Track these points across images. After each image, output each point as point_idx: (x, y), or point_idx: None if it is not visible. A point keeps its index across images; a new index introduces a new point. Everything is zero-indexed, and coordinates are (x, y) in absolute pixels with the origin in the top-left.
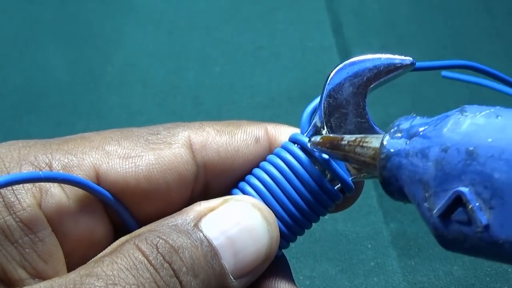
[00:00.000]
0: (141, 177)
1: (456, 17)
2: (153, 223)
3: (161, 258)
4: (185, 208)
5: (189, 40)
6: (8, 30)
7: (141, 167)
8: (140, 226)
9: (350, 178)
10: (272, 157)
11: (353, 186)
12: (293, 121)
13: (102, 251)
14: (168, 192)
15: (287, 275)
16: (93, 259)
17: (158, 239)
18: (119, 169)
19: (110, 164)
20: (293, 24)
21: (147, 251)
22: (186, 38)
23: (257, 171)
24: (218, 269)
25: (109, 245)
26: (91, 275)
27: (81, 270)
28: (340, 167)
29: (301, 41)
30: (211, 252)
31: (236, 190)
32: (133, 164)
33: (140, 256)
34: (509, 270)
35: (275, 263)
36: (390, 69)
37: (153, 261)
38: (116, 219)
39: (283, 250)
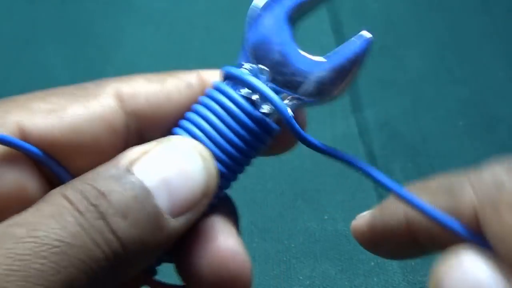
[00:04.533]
0: (66, 129)
1: (456, 17)
2: (85, 173)
3: (86, 202)
4: (118, 155)
5: (189, 40)
6: (8, 30)
7: (65, 118)
8: None
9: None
10: (201, 98)
11: (289, 114)
12: None
13: None
14: (98, 143)
15: (231, 218)
16: (21, 212)
17: (85, 185)
18: (42, 124)
19: (35, 120)
20: None
21: (71, 197)
22: (186, 38)
23: (188, 113)
24: (151, 209)
25: None
26: (13, 225)
27: (4, 223)
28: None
29: (301, 41)
30: (143, 193)
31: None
32: (56, 116)
33: (64, 202)
34: None
35: (219, 205)
36: None
37: (77, 205)
38: (51, 177)
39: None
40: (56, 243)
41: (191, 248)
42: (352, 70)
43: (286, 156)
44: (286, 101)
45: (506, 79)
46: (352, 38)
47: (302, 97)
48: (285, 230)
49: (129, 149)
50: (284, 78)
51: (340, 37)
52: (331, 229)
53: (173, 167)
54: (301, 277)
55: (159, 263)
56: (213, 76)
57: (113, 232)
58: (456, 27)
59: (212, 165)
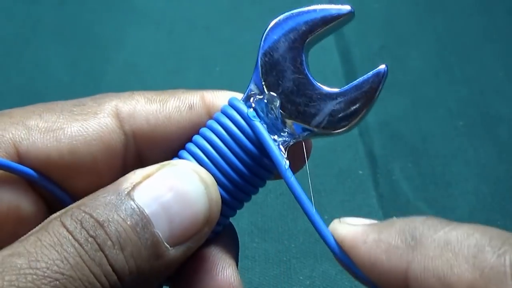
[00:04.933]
0: (64, 150)
1: (456, 16)
2: (86, 197)
3: (85, 233)
4: (120, 178)
5: (189, 40)
6: (9, 30)
7: (63, 139)
8: (75, 201)
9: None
10: (210, 122)
11: (284, 167)
12: None
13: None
14: (96, 164)
15: (231, 249)
16: (20, 238)
17: (83, 214)
18: (40, 144)
19: (31, 140)
20: None
21: (71, 227)
22: (186, 38)
23: (196, 137)
24: (150, 238)
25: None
26: (14, 254)
27: (5, 251)
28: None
29: None
30: (142, 221)
31: (175, 158)
32: (54, 137)
33: (64, 232)
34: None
35: (221, 234)
36: (327, 20)
37: (77, 236)
38: (48, 196)
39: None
40: (58, 275)
41: (188, 277)
42: (367, 103)
43: None
44: (294, 131)
45: (506, 79)
46: (370, 73)
47: (313, 129)
48: (285, 230)
49: (132, 172)
50: (296, 108)
51: (340, 37)
52: None
53: (173, 193)
54: (301, 277)
55: None
56: (216, 97)
57: (111, 265)
58: (456, 27)
59: (214, 191)
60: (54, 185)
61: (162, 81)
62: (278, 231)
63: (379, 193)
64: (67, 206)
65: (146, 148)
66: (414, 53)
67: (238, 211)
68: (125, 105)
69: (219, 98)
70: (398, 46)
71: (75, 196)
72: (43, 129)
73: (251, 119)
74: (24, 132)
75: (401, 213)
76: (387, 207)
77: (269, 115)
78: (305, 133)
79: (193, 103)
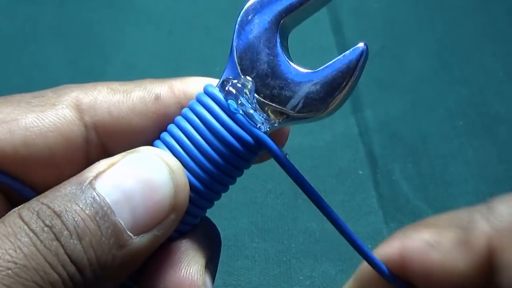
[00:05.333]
0: (17, 142)
1: (456, 17)
2: (49, 190)
3: (41, 222)
4: (87, 168)
5: (189, 40)
6: (8, 30)
7: (17, 131)
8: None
9: (262, 129)
10: (185, 111)
11: (267, 142)
12: None
13: None
14: (53, 156)
15: (205, 245)
16: None
17: (40, 205)
18: None
19: None
20: None
21: (27, 218)
22: (186, 38)
23: (170, 126)
24: (111, 227)
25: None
26: None
27: None
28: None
29: (301, 41)
30: (102, 210)
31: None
32: (7, 129)
33: (20, 223)
34: None
35: (198, 230)
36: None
37: (32, 226)
38: (8, 191)
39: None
40: (10, 265)
41: (152, 271)
42: (344, 84)
43: None
44: (272, 116)
45: (506, 79)
46: (347, 51)
47: (290, 112)
48: (285, 230)
49: (97, 162)
50: (271, 91)
51: (340, 37)
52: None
53: (136, 179)
54: (301, 277)
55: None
56: (186, 85)
57: (68, 255)
58: (456, 27)
59: (180, 177)
60: (13, 179)
61: None
62: (278, 231)
63: (379, 193)
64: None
65: (110, 141)
66: (414, 53)
67: (236, 213)
68: (86, 96)
69: (190, 86)
70: (398, 46)
71: (36, 190)
72: None
73: (234, 111)
74: None
75: (401, 213)
76: (387, 207)
77: (246, 100)
78: (282, 118)
79: (160, 93)
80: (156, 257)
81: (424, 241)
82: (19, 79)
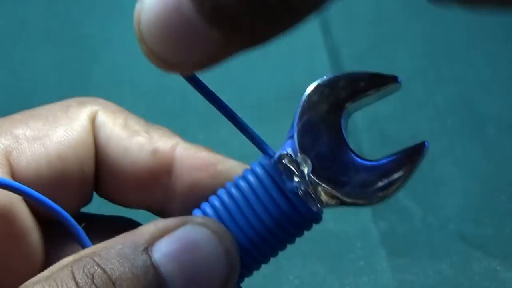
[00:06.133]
0: (52, 156)
1: (444, 16)
2: (102, 242)
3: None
4: (140, 227)
5: None
6: None
7: (50, 146)
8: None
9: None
10: (238, 179)
11: (319, 220)
12: (281, 121)
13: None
14: (82, 169)
15: None
16: (26, 283)
17: (96, 268)
18: (29, 152)
19: (20, 149)
20: None
21: (81, 282)
22: None
23: (222, 192)
24: None
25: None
26: None
27: None
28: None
29: (290, 41)
30: (157, 281)
31: (197, 210)
32: (41, 144)
33: (72, 284)
34: (498, 268)
35: None
36: (370, 87)
37: None
38: (38, 209)
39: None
40: None
41: None
42: (402, 179)
43: None
44: (324, 197)
45: (494, 78)
46: (410, 147)
47: (343, 198)
48: None
49: (152, 222)
50: (328, 173)
51: (328, 37)
52: (320, 228)
53: (194, 255)
54: (290, 277)
55: None
56: (189, 154)
57: None
58: (445, 26)
59: (236, 259)
60: (49, 200)
61: (151, 81)
62: None
63: None
64: (63, 221)
65: (103, 168)
66: (402, 52)
67: None
68: (103, 114)
69: (194, 157)
70: (386, 45)
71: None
72: (30, 138)
73: (291, 190)
74: (12, 141)
75: (390, 212)
76: (376, 205)
77: (301, 178)
78: (335, 202)
79: (159, 150)
80: None
81: None
82: (7, 79)
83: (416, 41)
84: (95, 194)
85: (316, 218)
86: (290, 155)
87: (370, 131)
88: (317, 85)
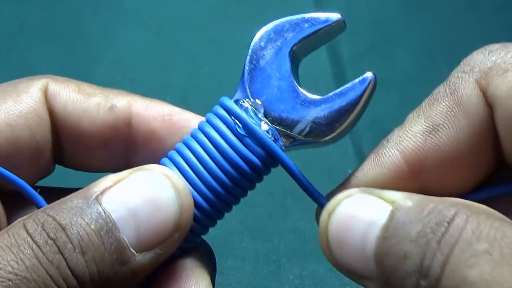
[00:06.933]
0: (2, 126)
1: (444, 15)
2: (56, 201)
3: (45, 235)
4: (92, 183)
5: (178, 39)
6: None
7: (0, 114)
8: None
9: (280, 146)
10: (193, 130)
11: (283, 157)
12: None
13: None
14: (34, 138)
15: (207, 264)
16: None
17: (46, 217)
18: None
19: None
20: None
21: (31, 229)
22: (174, 38)
23: (178, 144)
24: (115, 244)
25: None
26: None
27: None
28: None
29: None
30: (107, 226)
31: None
32: None
33: (24, 234)
34: None
35: (199, 250)
36: (314, 28)
37: (36, 238)
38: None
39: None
40: (11, 276)
41: (161, 285)
42: (351, 112)
43: None
44: (280, 141)
45: None
46: (355, 80)
47: (297, 136)
48: (275, 229)
49: (104, 177)
50: (280, 115)
51: None
52: None
53: (142, 197)
54: (291, 276)
55: None
56: (145, 109)
57: (71, 268)
58: (445, 25)
59: (186, 197)
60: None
61: (150, 80)
62: (267, 230)
63: None
64: (14, 185)
65: (62, 136)
66: (403, 51)
67: (224, 215)
68: (54, 85)
69: (150, 109)
70: (386, 44)
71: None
72: None
73: (242, 133)
74: None
75: None
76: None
77: (254, 122)
78: (289, 142)
79: (116, 105)
80: (161, 275)
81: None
82: (7, 79)
83: (417, 41)
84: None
85: (273, 161)
86: (242, 101)
87: (370, 131)
88: (263, 31)
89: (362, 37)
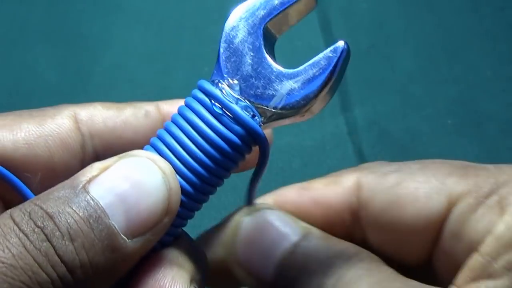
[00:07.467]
0: (19, 141)
1: (444, 16)
2: (43, 193)
3: (32, 223)
4: (80, 171)
5: (178, 40)
6: None
7: (19, 133)
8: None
9: (258, 122)
10: (173, 115)
11: (260, 132)
12: None
13: None
14: (52, 159)
15: (187, 262)
16: None
17: (33, 206)
18: None
19: None
20: None
21: (18, 218)
22: (174, 38)
23: (159, 130)
24: (105, 230)
25: None
26: None
27: None
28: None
29: (290, 40)
30: (96, 213)
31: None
32: (9, 130)
33: (10, 223)
34: None
35: (179, 245)
36: (284, 3)
37: (22, 227)
38: (6, 195)
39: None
40: None
41: (139, 276)
42: (325, 82)
43: (274, 156)
44: (258, 118)
45: (494, 78)
46: (327, 50)
47: (273, 110)
48: None
49: (89, 165)
50: (255, 91)
51: (329, 37)
52: None
53: (129, 182)
54: None
55: None
56: (172, 106)
57: (59, 255)
58: (445, 26)
59: (173, 180)
60: (12, 175)
61: (150, 81)
62: None
63: None
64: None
65: (104, 152)
66: (403, 52)
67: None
68: (83, 110)
69: (175, 106)
70: (386, 45)
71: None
72: (1, 126)
73: (219, 113)
74: None
75: None
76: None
77: (230, 101)
78: (267, 117)
79: (149, 110)
80: (138, 270)
81: (296, 187)
82: (7, 80)
83: (417, 41)
84: None
85: (253, 138)
86: (218, 81)
87: (370, 131)
88: (236, 11)
89: (361, 37)
